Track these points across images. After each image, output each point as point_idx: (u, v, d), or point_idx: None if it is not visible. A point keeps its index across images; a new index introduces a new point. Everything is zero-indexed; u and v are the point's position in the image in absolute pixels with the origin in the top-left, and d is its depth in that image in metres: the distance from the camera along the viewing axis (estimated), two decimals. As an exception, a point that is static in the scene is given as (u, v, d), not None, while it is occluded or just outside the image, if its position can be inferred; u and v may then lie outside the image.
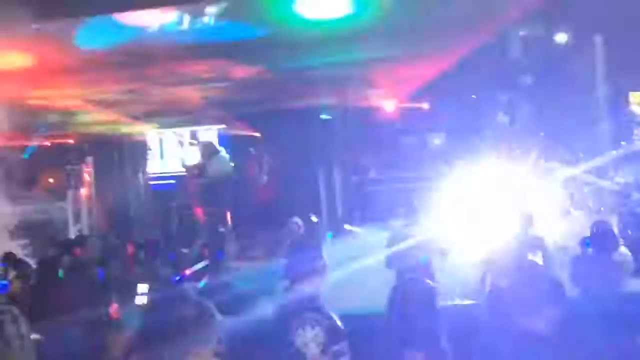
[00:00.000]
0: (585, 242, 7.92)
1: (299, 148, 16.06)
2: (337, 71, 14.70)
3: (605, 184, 11.95)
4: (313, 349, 4.34)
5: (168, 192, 16.77)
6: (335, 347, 4.35)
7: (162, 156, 17.96)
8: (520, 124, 13.66)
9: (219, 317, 3.41)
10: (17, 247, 12.05)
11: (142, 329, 3.77)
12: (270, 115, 15.79)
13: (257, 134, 17.03)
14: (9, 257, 9.68)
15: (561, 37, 13.63)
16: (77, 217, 16.15)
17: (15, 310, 3.48)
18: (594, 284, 6.96)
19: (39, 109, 14.03)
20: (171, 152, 17.84)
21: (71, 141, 15.95)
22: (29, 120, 14.46)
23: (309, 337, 4.35)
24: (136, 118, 16.31)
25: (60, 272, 8.57)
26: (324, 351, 4.35)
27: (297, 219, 11.67)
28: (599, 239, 7.67)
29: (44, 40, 11.87)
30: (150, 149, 17.91)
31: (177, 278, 8.86)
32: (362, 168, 14.92)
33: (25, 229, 13.43)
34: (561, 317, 3.67)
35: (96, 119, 15.26)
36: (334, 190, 15.48)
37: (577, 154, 12.95)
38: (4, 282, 8.50)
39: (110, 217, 16.87)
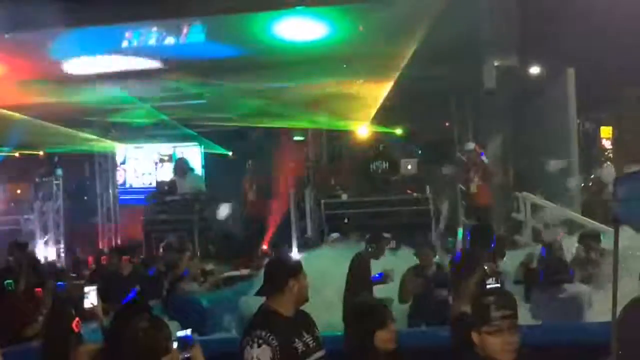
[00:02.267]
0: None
1: (271, 168, 16.13)
2: (312, 92, 14.82)
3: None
4: None
5: (137, 206, 16.70)
6: None
7: (132, 171, 17.91)
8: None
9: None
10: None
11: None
12: (242, 134, 15.83)
13: (230, 153, 17.07)
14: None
15: (535, 70, 13.83)
16: (44, 229, 16.08)
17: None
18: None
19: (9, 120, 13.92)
20: (143, 167, 17.80)
21: (41, 153, 15.83)
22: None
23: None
24: (108, 131, 16.25)
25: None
26: None
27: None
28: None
29: (17, 50, 11.85)
30: (120, 164, 17.86)
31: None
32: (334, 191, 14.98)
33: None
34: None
35: (68, 132, 15.16)
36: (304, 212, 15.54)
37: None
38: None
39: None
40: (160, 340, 4.16)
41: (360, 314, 4.51)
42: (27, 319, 7.61)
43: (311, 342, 4.78)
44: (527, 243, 11.85)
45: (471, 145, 13.65)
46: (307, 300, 4.87)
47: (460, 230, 12.94)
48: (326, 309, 7.98)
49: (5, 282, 7.99)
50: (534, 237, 11.97)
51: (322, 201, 14.66)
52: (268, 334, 4.65)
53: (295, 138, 17.12)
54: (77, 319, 5.96)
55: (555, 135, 13.16)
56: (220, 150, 17.07)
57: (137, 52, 12.77)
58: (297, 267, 4.90)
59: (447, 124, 17.02)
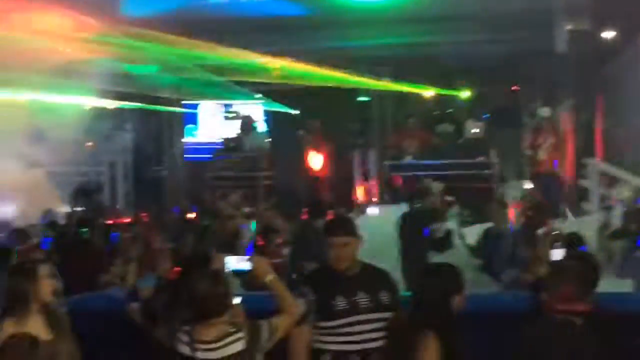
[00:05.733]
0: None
1: (335, 128, 16.16)
2: (378, 53, 14.77)
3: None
4: None
5: (202, 163, 16.95)
6: None
7: (199, 127, 18.13)
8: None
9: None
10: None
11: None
12: (310, 93, 15.84)
13: (296, 112, 17.11)
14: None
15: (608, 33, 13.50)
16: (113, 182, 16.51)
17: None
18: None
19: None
20: (209, 124, 17.99)
21: (112, 107, 16.09)
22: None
23: None
24: (178, 87, 16.43)
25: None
26: None
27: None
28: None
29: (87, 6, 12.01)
30: (187, 120, 18.10)
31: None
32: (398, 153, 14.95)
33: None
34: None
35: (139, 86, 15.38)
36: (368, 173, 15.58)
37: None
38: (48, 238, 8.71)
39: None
40: (219, 295, 4.26)
41: (436, 278, 4.51)
42: (102, 267, 7.83)
43: (365, 302, 4.81)
44: (594, 210, 11.74)
45: (545, 111, 13.47)
46: (335, 264, 4.90)
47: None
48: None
49: (80, 229, 8.24)
50: (600, 204, 11.83)
51: (386, 163, 14.67)
52: (308, 288, 4.75)
53: (360, 99, 17.09)
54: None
55: (630, 101, 12.88)
56: (285, 109, 17.14)
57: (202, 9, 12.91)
58: (330, 229, 4.96)
59: (515, 89, 16.80)
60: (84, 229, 8.36)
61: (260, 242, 9.20)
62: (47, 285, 5.00)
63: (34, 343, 3.61)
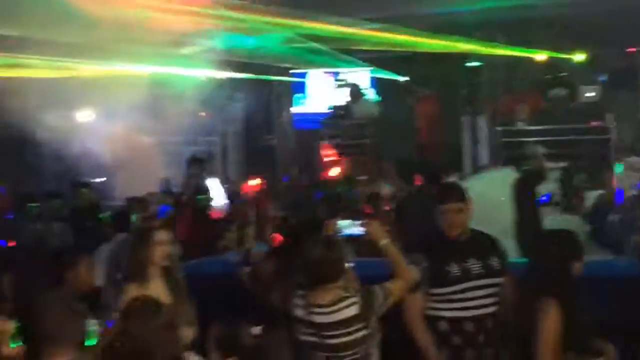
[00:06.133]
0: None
1: (445, 94, 15.97)
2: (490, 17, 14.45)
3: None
4: None
5: (312, 131, 17.06)
6: None
7: (308, 96, 18.23)
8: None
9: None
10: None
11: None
12: (419, 59, 15.67)
13: (403, 78, 16.99)
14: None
15: None
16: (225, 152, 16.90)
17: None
18: None
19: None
20: (318, 92, 18.07)
21: (223, 77, 16.36)
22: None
23: None
24: (287, 56, 16.54)
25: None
26: None
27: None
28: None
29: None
30: (296, 89, 18.23)
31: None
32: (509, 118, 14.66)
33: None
34: None
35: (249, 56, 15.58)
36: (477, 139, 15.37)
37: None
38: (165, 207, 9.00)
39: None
40: (333, 261, 4.31)
41: (555, 245, 4.46)
42: (219, 233, 8.03)
43: (477, 268, 4.79)
44: None
45: None
46: (448, 230, 4.86)
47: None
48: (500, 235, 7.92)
49: (198, 197, 8.48)
50: None
51: (498, 129, 14.41)
52: (420, 255, 4.75)
53: (470, 64, 16.79)
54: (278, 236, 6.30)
55: None
56: (394, 76, 17.03)
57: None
58: (443, 196, 4.93)
59: (631, 50, 16.15)
60: (202, 196, 8.59)
61: (368, 209, 9.25)
62: (164, 250, 5.19)
63: (157, 305, 3.75)
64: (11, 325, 3.03)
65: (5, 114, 12.60)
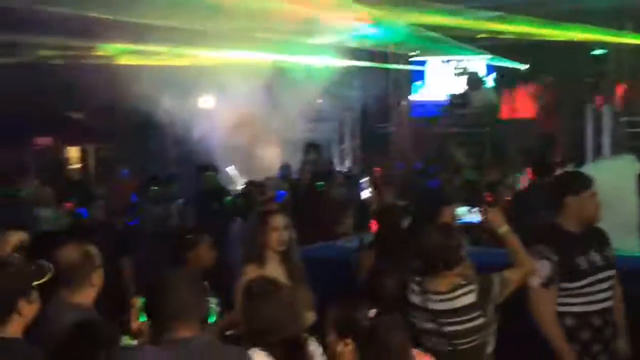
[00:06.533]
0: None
1: (568, 82, 15.55)
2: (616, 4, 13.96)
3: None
4: None
5: (429, 118, 16.97)
6: None
7: (426, 84, 18.10)
8: None
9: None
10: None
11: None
12: (540, 47, 15.30)
13: (525, 66, 16.64)
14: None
15: None
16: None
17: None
18: None
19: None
20: (435, 80, 17.91)
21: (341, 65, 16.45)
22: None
23: None
24: (406, 44, 16.46)
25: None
26: None
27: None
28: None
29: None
30: (414, 77, 18.13)
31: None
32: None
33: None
34: None
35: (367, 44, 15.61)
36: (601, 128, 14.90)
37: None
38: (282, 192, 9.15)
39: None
40: (451, 248, 4.27)
41: None
42: (336, 218, 8.09)
43: (599, 260, 4.65)
44: None
45: None
46: (592, 219, 4.71)
47: None
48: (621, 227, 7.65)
49: (317, 183, 8.58)
50: None
51: (623, 119, 13.94)
52: (548, 248, 4.61)
53: (594, 52, 16.25)
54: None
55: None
56: (514, 64, 16.69)
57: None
58: (575, 186, 4.74)
59: None
60: (320, 182, 8.67)
61: (489, 197, 9.10)
62: (280, 236, 5.26)
63: (277, 285, 3.83)
64: (140, 301, 3.16)
65: (131, 100, 13.08)
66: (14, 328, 3.36)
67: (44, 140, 16.62)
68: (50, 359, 3.30)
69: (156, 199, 9.56)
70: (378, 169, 12.93)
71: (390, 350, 3.18)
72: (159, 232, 8.82)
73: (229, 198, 8.80)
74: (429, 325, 4.28)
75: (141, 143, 15.65)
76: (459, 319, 4.22)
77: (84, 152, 18.44)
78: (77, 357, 3.24)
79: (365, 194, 6.73)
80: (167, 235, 7.90)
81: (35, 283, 3.43)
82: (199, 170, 10.17)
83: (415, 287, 4.38)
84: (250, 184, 9.65)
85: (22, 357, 3.27)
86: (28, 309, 3.40)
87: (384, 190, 7.51)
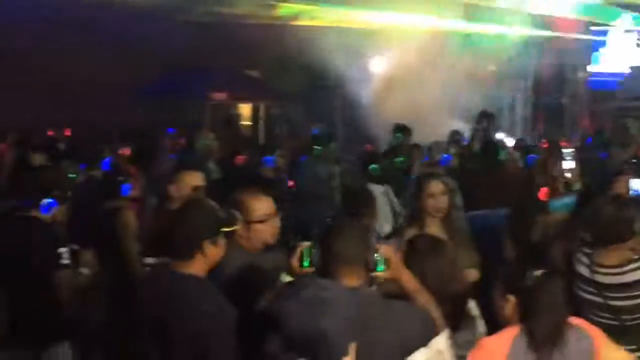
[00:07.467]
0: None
1: None
2: None
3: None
4: None
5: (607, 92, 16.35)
6: None
7: (607, 54, 17.36)
8: None
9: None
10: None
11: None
12: None
13: None
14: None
15: None
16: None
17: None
18: None
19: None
20: (618, 50, 17.14)
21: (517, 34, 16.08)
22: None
23: None
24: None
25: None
26: None
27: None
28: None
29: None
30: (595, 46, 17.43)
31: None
32: None
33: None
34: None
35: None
36: None
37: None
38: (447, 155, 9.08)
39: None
40: (624, 221, 4.11)
41: None
42: (514, 186, 7.90)
43: None
44: None
45: None
46: None
47: None
48: None
49: (497, 152, 8.52)
50: None
51: None
52: None
53: None
54: (545, 189, 6.16)
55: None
56: None
57: None
58: None
59: None
60: (498, 151, 8.55)
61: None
62: (438, 201, 5.16)
63: (441, 241, 3.85)
64: (306, 245, 3.25)
65: (304, 60, 13.34)
66: (197, 267, 3.49)
67: (219, 96, 17.18)
68: (225, 294, 3.47)
69: (319, 159, 9.59)
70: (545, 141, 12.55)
71: (548, 310, 3.18)
72: (319, 192, 8.79)
73: (399, 159, 8.74)
74: (594, 298, 4.17)
75: (311, 104, 15.95)
76: (626, 295, 4.08)
77: (255, 110, 18.96)
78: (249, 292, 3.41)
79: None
80: (327, 196, 8.09)
81: (224, 230, 3.57)
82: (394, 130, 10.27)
83: (584, 259, 4.27)
84: (413, 146, 9.62)
85: (197, 293, 3.42)
86: (213, 251, 3.52)
87: (551, 163, 7.24)
